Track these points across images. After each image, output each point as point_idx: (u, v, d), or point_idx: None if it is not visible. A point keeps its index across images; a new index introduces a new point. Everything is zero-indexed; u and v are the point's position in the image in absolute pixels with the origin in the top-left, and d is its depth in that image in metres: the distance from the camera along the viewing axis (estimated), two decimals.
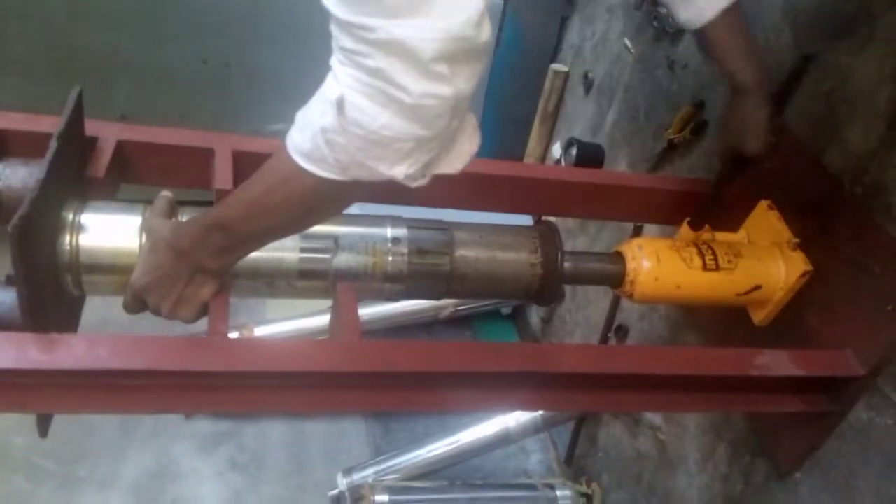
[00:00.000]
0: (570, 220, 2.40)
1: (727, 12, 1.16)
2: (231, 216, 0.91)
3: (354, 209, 1.33)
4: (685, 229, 1.39)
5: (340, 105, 0.75)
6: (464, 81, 0.75)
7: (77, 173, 1.10)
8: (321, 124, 0.77)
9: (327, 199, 0.87)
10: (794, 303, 1.31)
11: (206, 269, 0.96)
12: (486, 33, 0.74)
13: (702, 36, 1.22)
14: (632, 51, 2.07)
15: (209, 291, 0.99)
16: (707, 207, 1.38)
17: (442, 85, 0.73)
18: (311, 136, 0.79)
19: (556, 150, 2.49)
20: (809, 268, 1.27)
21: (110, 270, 1.00)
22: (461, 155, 0.88)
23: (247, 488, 2.24)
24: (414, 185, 0.84)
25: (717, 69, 1.32)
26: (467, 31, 0.71)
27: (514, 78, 2.62)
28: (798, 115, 1.38)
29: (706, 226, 1.38)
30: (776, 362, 1.17)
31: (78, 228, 0.98)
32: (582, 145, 2.16)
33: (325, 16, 0.73)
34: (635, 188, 1.45)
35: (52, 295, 0.99)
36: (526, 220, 1.93)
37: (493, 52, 2.55)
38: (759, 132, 1.25)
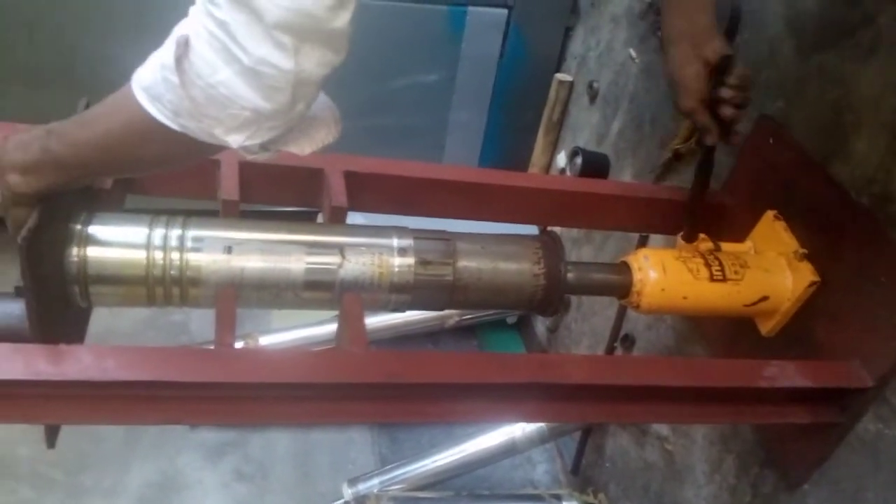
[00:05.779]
0: (576, 229, 2.40)
1: None
2: (63, 126, 0.86)
3: (359, 219, 1.34)
4: (680, 242, 1.38)
5: (185, 48, 0.73)
6: (310, 63, 0.73)
7: (84, 185, 1.11)
8: (162, 60, 0.76)
9: (154, 144, 0.83)
10: (801, 313, 1.30)
11: (12, 184, 0.86)
12: (341, 21, 0.72)
13: None
14: (636, 60, 2.07)
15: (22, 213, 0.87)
16: (709, 217, 1.38)
17: (283, 56, 0.71)
18: (154, 69, 0.77)
19: (561, 159, 2.49)
20: (817, 278, 1.27)
21: (117, 281, 1.00)
22: (313, 140, 0.87)
23: (252, 499, 2.24)
24: (251, 157, 0.82)
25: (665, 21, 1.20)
26: (317, 11, 0.70)
27: (519, 87, 2.62)
28: (803, 125, 1.38)
29: (701, 235, 1.37)
30: (784, 373, 1.16)
31: (85, 240, 0.99)
32: (587, 154, 2.16)
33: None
34: (641, 198, 1.45)
35: (60, 306, 0.99)
36: (532, 230, 1.94)
37: (497, 63, 2.56)
38: (715, 41, 1.15)
